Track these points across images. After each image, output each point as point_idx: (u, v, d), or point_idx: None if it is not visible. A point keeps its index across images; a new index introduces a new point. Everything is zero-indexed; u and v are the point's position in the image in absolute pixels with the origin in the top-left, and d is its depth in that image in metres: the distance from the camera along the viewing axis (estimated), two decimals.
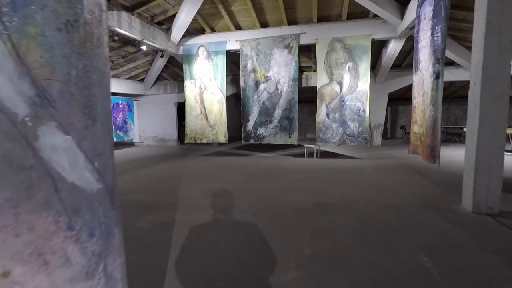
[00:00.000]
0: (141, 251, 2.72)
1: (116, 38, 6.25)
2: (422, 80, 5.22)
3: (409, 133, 12.25)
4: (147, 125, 12.90)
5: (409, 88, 11.98)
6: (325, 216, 3.56)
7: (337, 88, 7.62)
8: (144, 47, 7.40)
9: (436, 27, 4.53)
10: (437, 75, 4.55)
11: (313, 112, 14.97)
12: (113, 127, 10.66)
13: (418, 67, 5.37)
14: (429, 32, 4.82)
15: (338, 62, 7.53)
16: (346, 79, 7.53)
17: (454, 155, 8.08)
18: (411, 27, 6.28)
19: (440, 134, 4.35)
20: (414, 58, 5.55)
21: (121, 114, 11.09)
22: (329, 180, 5.48)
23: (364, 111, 7.52)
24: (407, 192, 4.54)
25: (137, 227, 3.35)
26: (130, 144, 12.82)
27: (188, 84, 8.72)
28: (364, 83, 7.45)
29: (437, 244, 2.74)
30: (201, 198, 4.42)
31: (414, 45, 5.50)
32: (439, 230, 3.06)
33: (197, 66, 8.55)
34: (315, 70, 10.88)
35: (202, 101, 8.64)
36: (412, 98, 5.67)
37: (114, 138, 10.73)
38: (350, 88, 7.54)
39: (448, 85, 11.84)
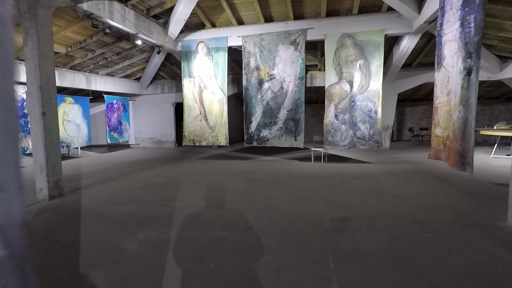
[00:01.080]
0: (126, 285, 2.17)
1: (107, 31, 5.70)
2: (447, 78, 4.69)
3: (417, 135, 11.78)
4: (144, 126, 12.33)
5: (417, 89, 11.50)
6: (347, 235, 3.02)
7: (347, 87, 7.10)
8: (139, 42, 6.85)
9: (468, 17, 4.01)
10: (468, 71, 4.02)
11: (316, 113, 14.46)
12: (107, 128, 10.09)
13: (442, 64, 4.85)
14: (458, 24, 4.30)
15: (348, 60, 7.01)
16: (357, 77, 7.00)
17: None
18: (431, 21, 5.77)
19: (473, 137, 3.83)
20: (436, 54, 5.03)
21: (115, 115, 10.52)
22: (343, 188, 4.94)
23: (376, 112, 6.99)
24: (436, 203, 4.00)
25: (124, 248, 2.80)
26: (126, 146, 12.25)
27: (186, 83, 8.17)
28: (376, 82, 6.93)
29: (495, 277, 2.20)
30: (200, 210, 3.87)
31: (437, 39, 4.98)
32: (490, 255, 2.52)
33: (196, 63, 8.01)
34: (320, 69, 10.39)
35: (201, 101, 8.10)
36: (434, 98, 5.14)
37: (108, 140, 10.16)
38: (361, 88, 7.02)
39: None
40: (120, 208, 4.00)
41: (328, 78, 7.24)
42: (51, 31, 4.26)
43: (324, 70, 10.45)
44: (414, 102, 13.24)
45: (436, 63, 5.05)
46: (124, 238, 3.02)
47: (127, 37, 6.77)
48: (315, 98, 13.52)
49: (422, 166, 6.74)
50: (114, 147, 12.00)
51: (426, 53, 8.76)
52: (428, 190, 4.69)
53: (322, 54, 9.24)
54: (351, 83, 7.06)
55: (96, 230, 3.27)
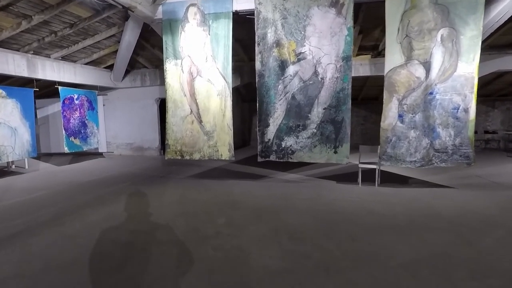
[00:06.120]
0: None
1: None
2: None
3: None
4: (119, 128, 9.61)
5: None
6: None
7: (419, 72, 4.58)
8: None
9: None
10: None
11: None
12: (64, 132, 7.36)
13: None
14: None
15: (423, 29, 4.49)
16: (437, 56, 4.49)
17: None
18: None
19: None
20: None
21: (77, 114, 7.79)
22: (486, 273, 2.41)
23: (466, 110, 4.50)
24: None
25: None
26: (96, 154, 9.50)
27: (170, 67, 5.53)
28: (469, 64, 4.43)
29: None
30: None
31: None
32: None
33: (185, 37, 5.38)
34: (356, 54, 7.86)
35: (193, 94, 5.47)
36: None
37: (66, 148, 7.43)
38: (444, 72, 4.51)
39: None
40: None
41: (388, 58, 4.71)
42: None
43: (358, 55, 7.96)
44: None
45: None
46: None
47: None
48: None
49: None
50: (82, 155, 9.26)
51: (507, 30, 6.30)
52: None
53: (361, 31, 6.72)
54: (427, 66, 4.54)
55: None
